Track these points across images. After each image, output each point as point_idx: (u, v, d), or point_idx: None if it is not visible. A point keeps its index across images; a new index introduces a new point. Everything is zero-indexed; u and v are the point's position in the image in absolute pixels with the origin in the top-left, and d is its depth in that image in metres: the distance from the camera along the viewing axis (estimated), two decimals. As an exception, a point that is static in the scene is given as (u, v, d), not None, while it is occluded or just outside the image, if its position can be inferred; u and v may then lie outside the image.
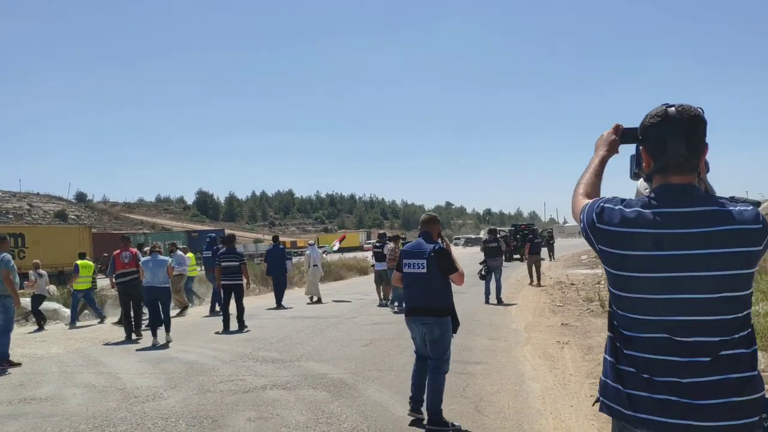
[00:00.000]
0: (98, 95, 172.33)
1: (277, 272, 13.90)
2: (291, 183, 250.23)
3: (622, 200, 1.83)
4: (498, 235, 14.55)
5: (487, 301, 12.79)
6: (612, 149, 2.04)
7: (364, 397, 5.46)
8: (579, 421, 4.72)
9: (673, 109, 1.76)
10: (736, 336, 1.68)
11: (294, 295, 15.96)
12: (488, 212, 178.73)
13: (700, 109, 1.80)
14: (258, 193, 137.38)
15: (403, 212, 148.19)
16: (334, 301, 14.55)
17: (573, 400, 5.27)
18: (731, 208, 1.71)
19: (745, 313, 1.70)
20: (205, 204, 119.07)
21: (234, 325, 10.14)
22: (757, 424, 1.64)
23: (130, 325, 9.87)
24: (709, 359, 1.65)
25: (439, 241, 4.80)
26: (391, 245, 13.04)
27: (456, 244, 71.07)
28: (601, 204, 1.82)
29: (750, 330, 1.71)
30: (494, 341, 8.34)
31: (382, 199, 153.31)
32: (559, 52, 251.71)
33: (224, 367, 6.97)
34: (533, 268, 17.15)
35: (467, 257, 26.28)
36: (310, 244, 16.19)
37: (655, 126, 1.79)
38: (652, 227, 1.71)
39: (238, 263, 10.55)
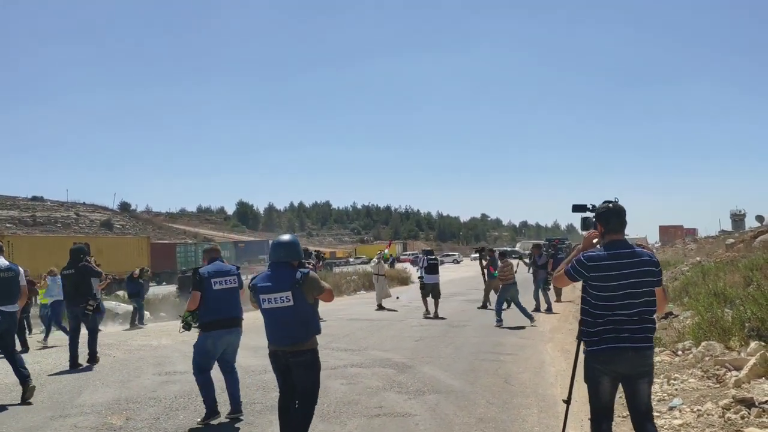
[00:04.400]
0: (140, 110, 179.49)
1: None
2: (328, 194, 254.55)
3: (591, 251, 3.72)
4: (543, 250, 16.21)
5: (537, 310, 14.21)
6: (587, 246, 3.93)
7: (422, 373, 7.38)
8: (581, 391, 6.51)
9: (611, 204, 3.73)
10: (650, 309, 3.58)
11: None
12: (524, 224, 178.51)
13: (616, 199, 3.80)
14: (296, 204, 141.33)
15: (439, 224, 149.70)
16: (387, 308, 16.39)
17: (578, 377, 7.05)
18: (642, 251, 3.65)
19: (653, 299, 3.58)
20: (245, 214, 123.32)
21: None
22: (651, 346, 3.56)
23: None
24: (637, 318, 3.53)
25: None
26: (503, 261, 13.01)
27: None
28: (585, 254, 3.69)
29: (655, 307, 3.60)
30: (523, 339, 10.16)
31: (418, 210, 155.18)
32: (592, 76, 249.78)
33: (310, 353, 8.98)
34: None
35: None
36: (378, 256, 18.51)
37: (604, 212, 3.72)
38: (608, 260, 3.58)
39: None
